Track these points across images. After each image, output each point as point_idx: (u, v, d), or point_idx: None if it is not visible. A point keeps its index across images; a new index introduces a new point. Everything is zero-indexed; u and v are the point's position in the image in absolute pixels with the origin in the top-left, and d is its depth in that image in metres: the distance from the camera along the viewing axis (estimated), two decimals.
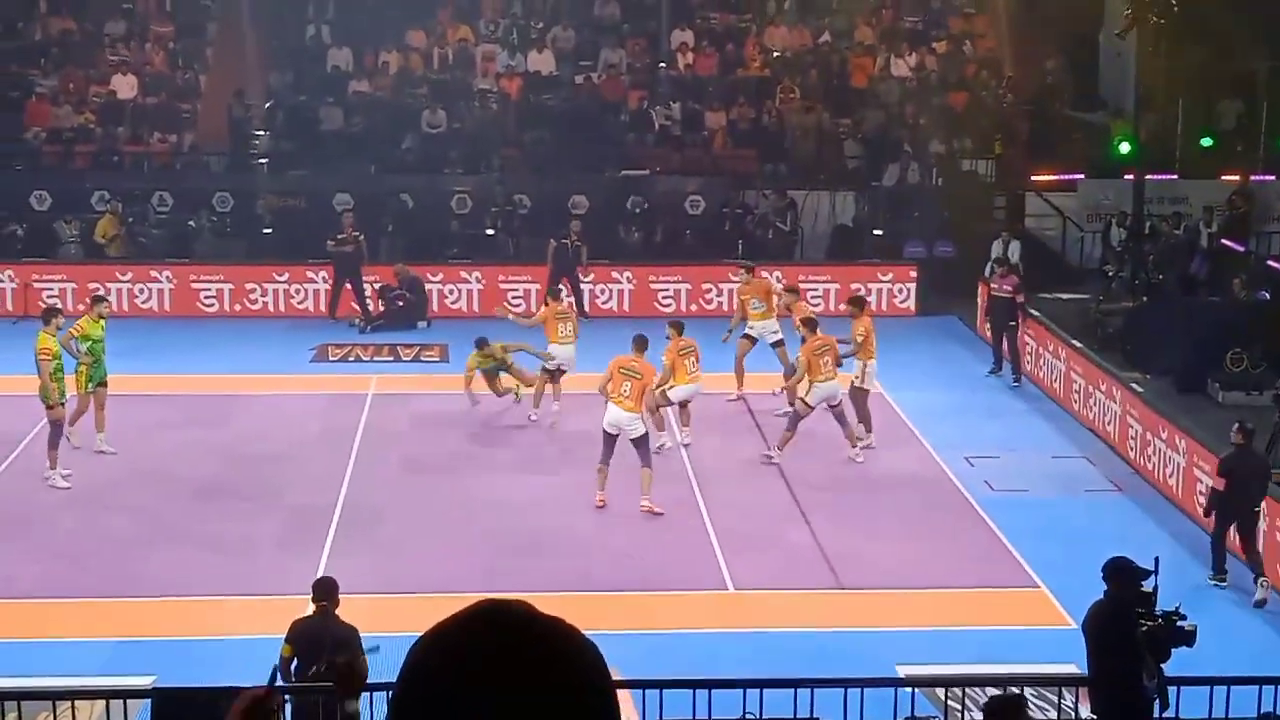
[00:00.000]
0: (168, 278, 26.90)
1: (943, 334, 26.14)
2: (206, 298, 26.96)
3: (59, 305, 21.08)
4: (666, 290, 27.33)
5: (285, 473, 18.80)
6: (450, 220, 28.84)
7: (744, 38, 33.00)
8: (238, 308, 26.84)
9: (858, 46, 32.70)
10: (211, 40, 32.73)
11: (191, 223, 28.64)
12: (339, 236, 26.46)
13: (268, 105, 31.15)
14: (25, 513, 17.45)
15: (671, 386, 19.33)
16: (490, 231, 28.54)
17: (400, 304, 26.46)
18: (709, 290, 27.23)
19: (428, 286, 26.83)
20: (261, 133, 30.43)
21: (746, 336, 21.76)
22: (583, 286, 26.75)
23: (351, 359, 24.52)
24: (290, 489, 18.21)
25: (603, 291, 27.35)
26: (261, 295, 26.97)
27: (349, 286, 26.52)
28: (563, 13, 33.57)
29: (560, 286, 25.06)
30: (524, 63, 32.00)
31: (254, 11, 31.99)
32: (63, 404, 18.32)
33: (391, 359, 24.44)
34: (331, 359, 24.43)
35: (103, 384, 19.27)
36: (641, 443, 17.39)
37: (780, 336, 21.56)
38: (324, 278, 26.82)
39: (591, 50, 32.62)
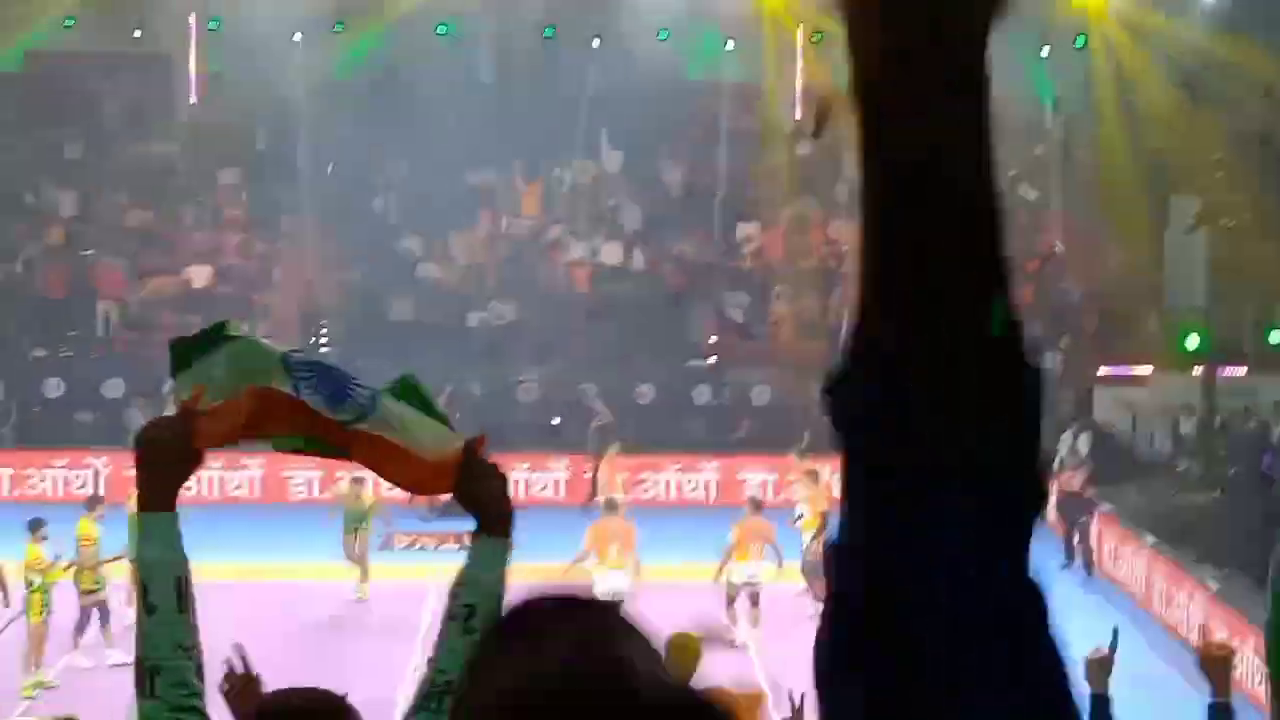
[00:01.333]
0: (259, 464, 27.20)
1: None
2: (296, 485, 27.17)
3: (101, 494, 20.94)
4: (748, 479, 27.13)
5: (348, 663, 18.66)
6: (516, 410, 29.00)
7: (810, 228, 33.31)
8: (326, 494, 27.02)
9: None
10: (284, 232, 33.36)
11: None
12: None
13: (336, 295, 31.64)
14: None
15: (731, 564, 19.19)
16: (556, 421, 28.66)
17: None
18: (769, 481, 27.12)
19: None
20: (324, 329, 30.85)
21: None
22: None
23: (417, 547, 24.49)
24: (354, 682, 18.03)
25: (656, 482, 27.37)
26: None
27: None
28: (632, 193, 34.02)
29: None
30: (592, 251, 32.40)
31: (326, 202, 32.63)
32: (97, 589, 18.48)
33: (458, 547, 24.32)
34: (397, 547, 24.42)
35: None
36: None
37: None
38: None
39: (658, 237, 33.00)
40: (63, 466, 27.25)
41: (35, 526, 18.45)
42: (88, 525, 18.63)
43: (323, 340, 30.76)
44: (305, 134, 33.24)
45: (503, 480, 3.18)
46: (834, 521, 1.26)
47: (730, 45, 34.68)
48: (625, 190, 34.37)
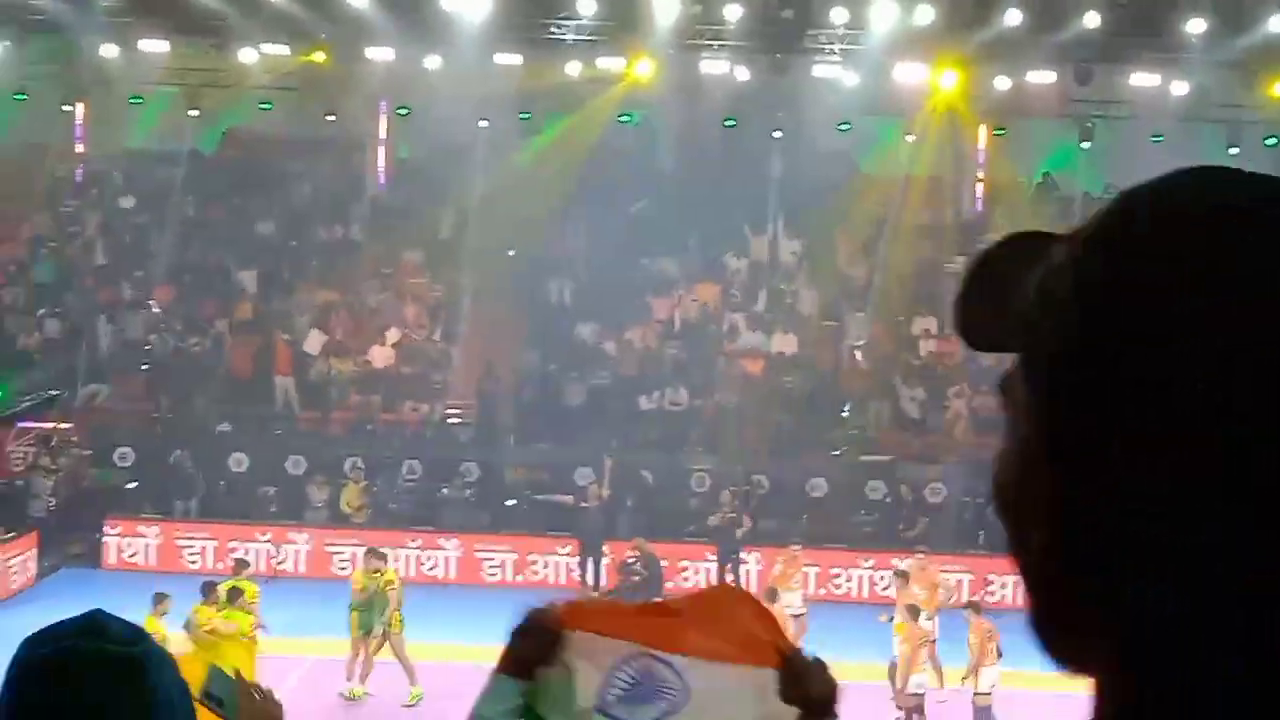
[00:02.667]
0: (455, 545, 27.53)
1: None
2: (491, 568, 27.46)
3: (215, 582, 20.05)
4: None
5: None
6: (689, 498, 29.00)
7: None
8: (519, 578, 27.27)
9: None
10: (465, 314, 33.88)
11: (445, 490, 29.32)
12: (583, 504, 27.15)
13: (513, 378, 32.02)
14: None
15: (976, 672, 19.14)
16: (731, 514, 28.56)
17: (635, 579, 26.51)
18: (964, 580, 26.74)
19: (663, 563, 26.91)
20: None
21: None
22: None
23: None
24: None
25: (843, 576, 27.15)
26: (543, 568, 27.45)
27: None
28: (808, 282, 34.02)
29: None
30: (767, 342, 32.41)
31: (506, 286, 33.10)
32: None
33: None
34: None
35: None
36: None
37: None
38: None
39: (834, 328, 32.93)
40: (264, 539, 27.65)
41: (158, 600, 18.30)
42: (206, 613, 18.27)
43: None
44: (487, 219, 33.79)
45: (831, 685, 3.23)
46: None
47: (910, 138, 34.64)
48: (801, 279, 34.39)
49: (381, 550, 21.65)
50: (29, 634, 2.31)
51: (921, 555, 23.09)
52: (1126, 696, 0.99)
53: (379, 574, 20.45)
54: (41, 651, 2.26)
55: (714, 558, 27.06)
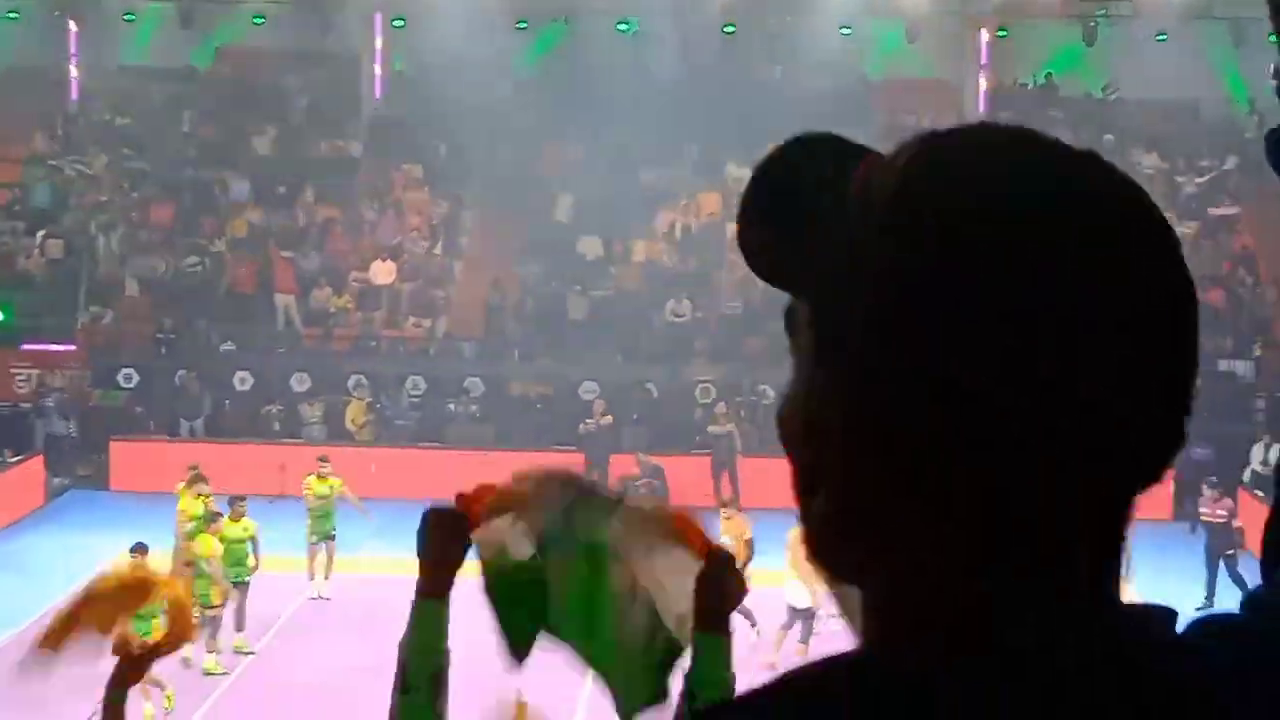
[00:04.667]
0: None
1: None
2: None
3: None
4: None
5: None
6: (694, 410, 28.97)
7: None
8: None
9: None
10: (465, 228, 33.71)
11: (451, 406, 29.28)
12: (588, 421, 27.03)
13: (515, 291, 31.90)
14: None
15: None
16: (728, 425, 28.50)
17: (643, 491, 26.56)
18: None
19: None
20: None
21: None
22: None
23: None
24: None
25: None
26: None
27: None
28: None
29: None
30: None
31: (507, 200, 32.90)
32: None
33: None
34: None
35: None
36: None
37: None
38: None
39: None
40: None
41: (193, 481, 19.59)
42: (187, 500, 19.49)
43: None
44: (485, 131, 33.55)
45: (743, 590, 3.15)
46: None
47: (911, 42, 34.33)
48: None
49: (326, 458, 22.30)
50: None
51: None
52: (895, 619, 1.05)
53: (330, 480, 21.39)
54: None
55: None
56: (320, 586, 21.00)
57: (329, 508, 21.18)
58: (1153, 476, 1.06)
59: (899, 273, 1.01)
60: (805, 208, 1.10)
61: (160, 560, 19.21)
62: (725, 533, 19.74)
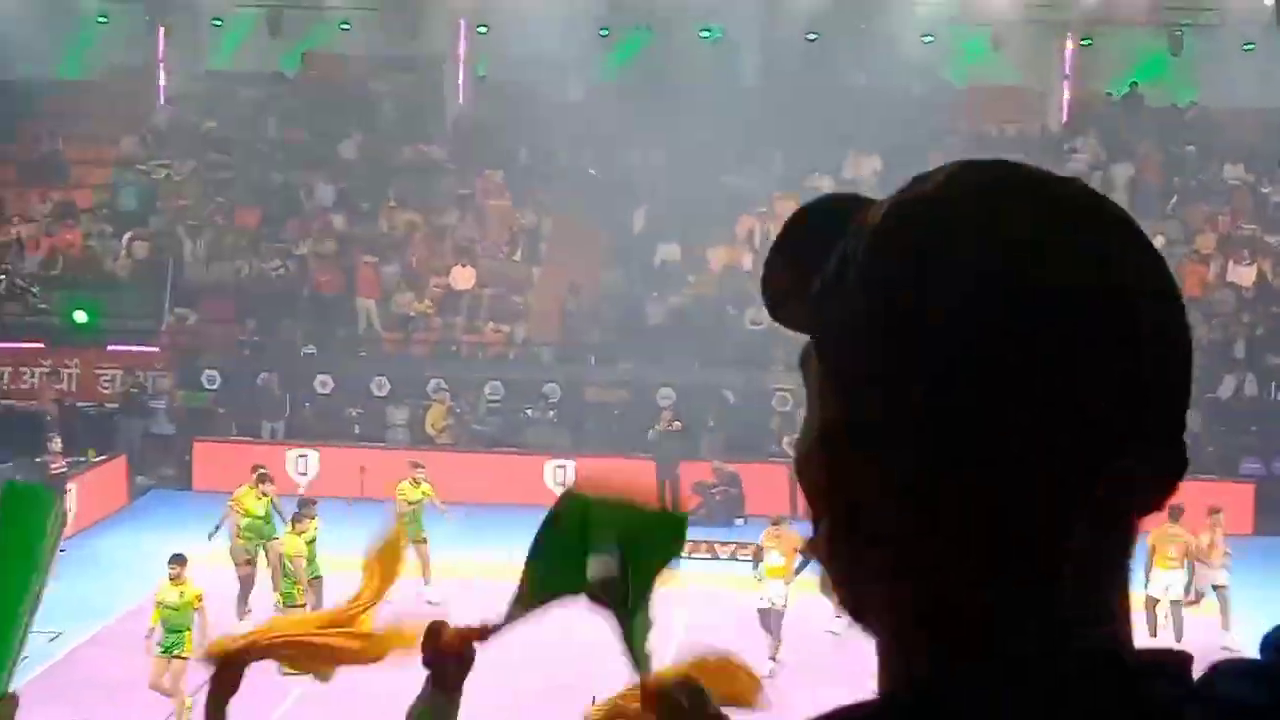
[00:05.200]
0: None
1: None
2: None
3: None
4: None
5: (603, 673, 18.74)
6: (771, 417, 28.95)
7: None
8: None
9: (1194, 255, 31.87)
10: (545, 234, 33.83)
11: (529, 411, 29.44)
12: (655, 428, 27.10)
13: (595, 298, 31.98)
14: None
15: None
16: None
17: (718, 499, 26.58)
18: None
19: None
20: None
21: None
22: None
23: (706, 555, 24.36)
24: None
25: None
26: None
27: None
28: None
29: None
30: None
31: (587, 206, 33.00)
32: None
33: (709, 555, 24.38)
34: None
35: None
36: None
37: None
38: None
39: None
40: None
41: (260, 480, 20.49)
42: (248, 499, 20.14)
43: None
44: (567, 136, 33.67)
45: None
46: None
47: (996, 49, 34.13)
48: (885, 195, 33.95)
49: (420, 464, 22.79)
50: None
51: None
52: (917, 651, 1.10)
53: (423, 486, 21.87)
54: None
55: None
56: (424, 590, 20.79)
57: (419, 512, 21.48)
58: (1156, 493, 1.10)
59: (892, 291, 1.09)
60: (816, 259, 1.17)
61: (217, 558, 19.68)
62: (773, 548, 19.89)
